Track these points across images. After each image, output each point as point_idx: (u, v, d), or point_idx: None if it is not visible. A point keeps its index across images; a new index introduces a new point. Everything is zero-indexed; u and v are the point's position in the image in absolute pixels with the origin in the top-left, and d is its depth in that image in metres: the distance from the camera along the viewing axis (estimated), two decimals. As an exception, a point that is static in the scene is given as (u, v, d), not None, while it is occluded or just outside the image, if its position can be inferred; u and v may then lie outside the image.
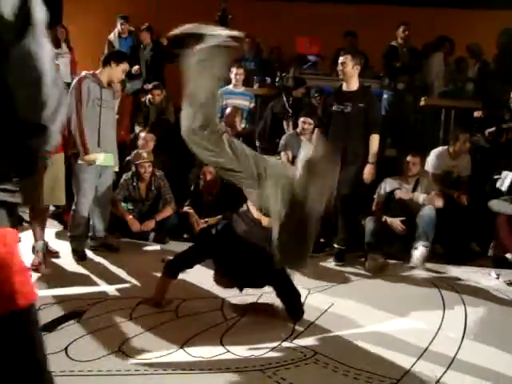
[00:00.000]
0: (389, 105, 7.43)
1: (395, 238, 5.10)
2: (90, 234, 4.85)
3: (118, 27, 8.10)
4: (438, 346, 3.03)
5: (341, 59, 4.91)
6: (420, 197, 5.09)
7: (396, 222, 5.03)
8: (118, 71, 4.64)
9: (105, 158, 4.65)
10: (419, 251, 4.78)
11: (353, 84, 4.93)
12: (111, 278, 4.03)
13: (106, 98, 4.61)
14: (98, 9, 9.37)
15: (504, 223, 4.96)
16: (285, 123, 6.62)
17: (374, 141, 4.89)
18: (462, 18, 8.56)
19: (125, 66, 4.69)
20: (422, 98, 7.19)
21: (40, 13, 1.07)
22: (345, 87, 4.97)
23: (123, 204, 5.44)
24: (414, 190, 5.20)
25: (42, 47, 1.09)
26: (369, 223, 5.03)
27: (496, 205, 5.03)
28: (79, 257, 4.54)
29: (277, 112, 6.73)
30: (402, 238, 5.07)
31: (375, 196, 5.35)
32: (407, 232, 4.98)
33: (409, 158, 5.26)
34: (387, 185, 5.31)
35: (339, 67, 4.93)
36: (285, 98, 6.74)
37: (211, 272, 3.39)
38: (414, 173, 5.23)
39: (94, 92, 4.53)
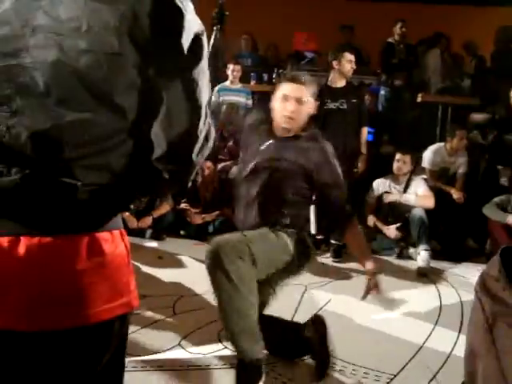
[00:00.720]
0: (386, 101, 7.43)
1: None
2: None
3: None
4: (435, 342, 3.05)
5: (352, 57, 4.94)
6: (411, 198, 5.09)
7: (390, 230, 5.04)
8: None
9: None
10: (422, 256, 4.74)
11: (343, 80, 4.98)
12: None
13: None
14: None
15: (497, 228, 4.98)
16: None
17: (365, 133, 5.16)
18: (458, 14, 8.55)
19: None
20: (419, 95, 7.20)
21: (206, 47, 1.10)
22: (334, 84, 5.00)
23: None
24: (406, 189, 5.19)
25: (205, 80, 1.11)
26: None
27: (489, 212, 5.04)
28: None
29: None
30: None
31: (367, 198, 5.33)
32: (402, 235, 5.01)
33: (398, 157, 5.23)
34: (379, 186, 5.30)
35: (352, 65, 4.97)
36: None
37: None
38: (404, 171, 5.21)
39: None
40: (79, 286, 1.05)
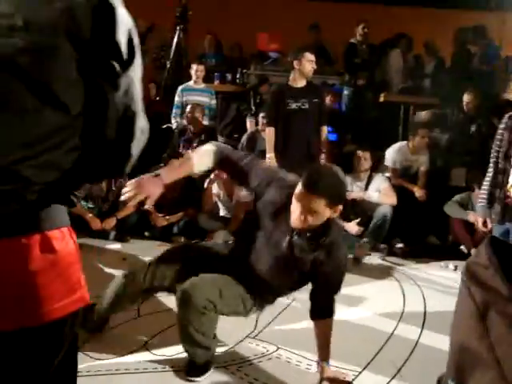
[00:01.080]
0: (349, 101, 7.52)
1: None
2: None
3: None
4: (399, 338, 3.09)
5: (312, 57, 4.98)
6: (374, 195, 5.15)
7: (351, 226, 5.09)
8: None
9: None
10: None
11: (303, 80, 5.03)
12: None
13: None
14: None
15: (458, 225, 5.09)
16: (248, 121, 6.63)
17: (325, 132, 5.25)
18: (420, 16, 8.71)
19: None
20: (382, 94, 7.31)
21: (137, 45, 1.12)
22: (294, 84, 5.03)
23: (83, 202, 5.35)
24: (367, 186, 5.25)
25: (139, 76, 1.14)
26: None
27: (450, 210, 5.15)
28: None
29: (242, 110, 6.76)
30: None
31: None
32: (364, 231, 5.07)
33: (359, 153, 5.31)
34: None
35: (313, 65, 4.99)
36: (252, 97, 6.76)
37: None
38: (365, 168, 5.29)
39: None
40: (33, 285, 1.05)
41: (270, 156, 5.02)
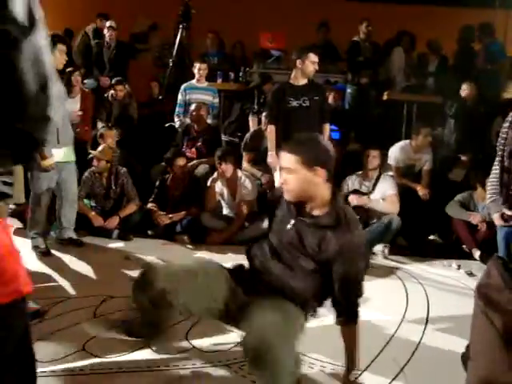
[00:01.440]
0: (352, 99, 7.50)
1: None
2: (55, 231, 4.86)
3: (98, 23, 8.05)
4: (402, 336, 3.09)
5: (316, 58, 4.97)
6: (378, 205, 5.12)
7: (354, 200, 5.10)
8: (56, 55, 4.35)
9: (65, 154, 4.58)
10: (383, 250, 4.99)
11: (304, 79, 5.02)
12: (74, 277, 3.96)
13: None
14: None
15: (459, 225, 5.08)
16: (250, 119, 6.62)
17: (327, 130, 5.20)
18: (423, 14, 8.69)
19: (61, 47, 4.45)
20: (385, 93, 7.30)
21: (41, 16, 1.16)
22: (295, 82, 5.03)
23: (86, 201, 5.36)
24: (374, 186, 5.23)
25: (45, 42, 1.17)
26: None
27: (451, 211, 5.13)
28: (42, 253, 4.47)
29: (246, 109, 6.76)
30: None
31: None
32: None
33: (368, 152, 5.28)
34: (348, 184, 5.34)
35: (315, 66, 4.97)
36: (256, 96, 6.76)
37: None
38: (374, 166, 5.26)
39: None
40: None
41: (272, 154, 5.01)
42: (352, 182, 5.34)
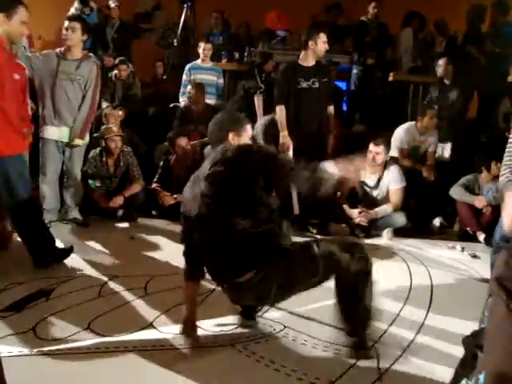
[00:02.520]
0: (358, 80, 7.45)
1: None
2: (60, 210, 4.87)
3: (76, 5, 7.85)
4: (405, 318, 3.09)
5: (326, 38, 4.92)
6: (384, 211, 5.06)
7: (354, 212, 5.07)
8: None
9: (63, 133, 4.57)
10: (387, 232, 5.02)
11: (314, 60, 4.98)
12: (79, 257, 3.98)
13: (65, 69, 4.50)
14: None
15: (464, 208, 5.06)
16: (256, 99, 6.57)
17: (332, 111, 5.19)
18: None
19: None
20: (391, 74, 7.23)
21: None
22: (305, 63, 4.98)
23: (90, 181, 5.36)
24: (380, 180, 5.18)
25: None
26: None
27: (456, 194, 5.11)
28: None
29: (249, 87, 6.69)
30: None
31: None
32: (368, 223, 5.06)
33: (372, 148, 5.08)
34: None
35: (326, 46, 4.93)
36: (257, 74, 6.69)
37: (180, 248, 3.33)
38: (379, 163, 5.13)
39: (49, 64, 4.45)
40: None
41: (284, 134, 4.94)
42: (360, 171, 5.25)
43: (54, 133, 4.59)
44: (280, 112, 5.02)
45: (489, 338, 1.08)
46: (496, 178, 4.85)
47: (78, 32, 4.48)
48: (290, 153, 4.81)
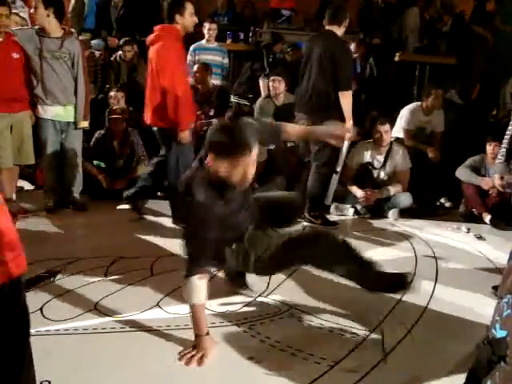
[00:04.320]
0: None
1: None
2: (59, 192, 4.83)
3: None
4: (410, 299, 3.09)
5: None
6: (389, 192, 5.05)
7: (358, 192, 5.05)
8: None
9: (58, 112, 4.55)
10: (392, 212, 5.02)
11: None
12: (84, 238, 4.01)
13: (48, 48, 4.46)
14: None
15: (470, 189, 5.04)
16: (261, 81, 6.53)
17: None
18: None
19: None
20: (397, 54, 7.17)
21: None
22: None
23: (96, 162, 5.36)
24: (386, 161, 5.16)
25: None
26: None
27: (462, 175, 5.08)
28: (48, 210, 4.59)
29: (256, 69, 6.65)
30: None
31: (348, 161, 5.19)
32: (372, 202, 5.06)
33: (379, 128, 5.05)
34: (364, 154, 5.21)
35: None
36: (265, 56, 6.64)
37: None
38: (387, 142, 5.11)
39: (32, 43, 4.41)
40: None
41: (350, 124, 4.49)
42: (364, 153, 5.19)
43: (48, 112, 4.56)
44: (349, 98, 4.48)
45: None
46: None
47: (40, 9, 4.37)
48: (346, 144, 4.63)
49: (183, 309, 2.78)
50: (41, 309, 2.73)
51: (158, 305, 2.86)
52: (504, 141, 3.10)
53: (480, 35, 6.92)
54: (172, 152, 4.23)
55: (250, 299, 2.98)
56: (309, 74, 4.59)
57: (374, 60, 7.02)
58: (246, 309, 2.87)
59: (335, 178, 4.76)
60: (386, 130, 5.08)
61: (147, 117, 4.28)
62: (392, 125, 5.33)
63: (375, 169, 5.18)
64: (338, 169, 4.74)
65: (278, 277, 3.27)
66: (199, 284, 2.33)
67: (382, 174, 5.17)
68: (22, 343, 1.29)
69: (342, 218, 4.95)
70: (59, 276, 3.20)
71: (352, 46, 6.32)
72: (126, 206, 4.88)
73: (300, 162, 5.20)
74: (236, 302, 2.92)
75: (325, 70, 4.45)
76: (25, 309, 1.30)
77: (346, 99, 4.43)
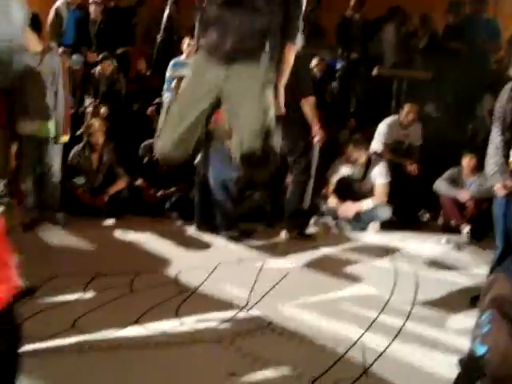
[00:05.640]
0: (342, 74, 7.47)
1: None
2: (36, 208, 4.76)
3: None
4: (391, 310, 3.11)
5: None
6: (370, 204, 5.10)
7: (340, 206, 5.11)
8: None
9: (37, 128, 4.52)
10: (372, 226, 5.07)
11: None
12: (63, 254, 3.96)
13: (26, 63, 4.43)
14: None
15: (448, 201, 5.11)
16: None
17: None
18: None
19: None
20: (375, 68, 7.25)
21: None
22: None
23: (75, 178, 5.31)
24: (366, 173, 5.21)
25: None
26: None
27: (440, 188, 5.15)
28: (25, 226, 4.51)
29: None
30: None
31: (329, 176, 5.33)
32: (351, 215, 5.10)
33: (351, 148, 5.21)
34: (339, 170, 5.31)
35: None
36: None
37: (166, 244, 3.34)
38: (363, 162, 5.22)
39: None
40: None
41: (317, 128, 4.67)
42: (345, 166, 5.30)
43: (28, 127, 4.53)
44: (314, 103, 4.68)
45: (495, 370, 1.11)
46: (478, 171, 4.90)
47: None
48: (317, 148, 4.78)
49: (163, 325, 2.76)
50: (18, 327, 2.68)
51: (137, 322, 2.83)
52: (491, 151, 3.08)
53: (455, 50, 7.05)
54: None
55: (230, 315, 2.97)
56: None
57: (352, 75, 7.12)
58: (226, 324, 2.86)
59: (311, 182, 4.83)
60: (359, 151, 5.21)
61: None
62: (366, 144, 5.44)
63: (355, 182, 5.23)
64: (312, 172, 4.82)
65: (259, 292, 3.27)
66: None
67: (362, 186, 5.21)
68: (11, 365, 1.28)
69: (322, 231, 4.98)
70: (37, 293, 3.15)
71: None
72: (107, 222, 4.85)
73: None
74: (216, 318, 2.91)
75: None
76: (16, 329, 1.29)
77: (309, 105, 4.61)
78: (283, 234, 4.71)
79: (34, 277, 3.38)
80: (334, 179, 5.26)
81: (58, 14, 7.49)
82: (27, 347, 2.48)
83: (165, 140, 2.71)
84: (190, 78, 2.75)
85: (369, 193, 5.18)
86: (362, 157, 5.20)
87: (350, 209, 5.06)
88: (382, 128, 5.83)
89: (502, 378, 1.45)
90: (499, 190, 2.97)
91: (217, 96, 2.60)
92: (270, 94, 2.60)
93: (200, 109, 2.62)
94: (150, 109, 6.24)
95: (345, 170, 5.26)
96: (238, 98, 2.57)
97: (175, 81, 6.11)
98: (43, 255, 3.97)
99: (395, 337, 2.78)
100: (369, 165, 5.22)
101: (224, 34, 2.56)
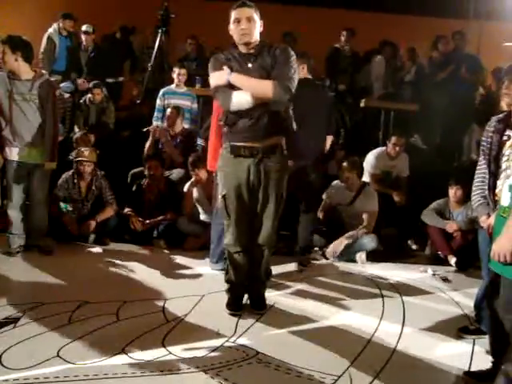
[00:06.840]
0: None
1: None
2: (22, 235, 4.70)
3: (60, 24, 7.77)
4: (378, 342, 3.10)
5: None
6: (358, 234, 5.11)
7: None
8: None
9: (25, 154, 4.51)
10: (359, 256, 5.05)
11: None
12: (48, 282, 3.91)
13: (18, 90, 4.45)
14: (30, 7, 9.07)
15: (435, 232, 5.14)
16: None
17: None
18: (401, 23, 8.83)
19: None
20: (363, 100, 7.36)
21: None
22: None
23: (62, 205, 5.29)
24: (355, 198, 5.25)
25: None
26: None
27: (427, 219, 5.19)
28: (8, 253, 4.49)
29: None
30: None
31: (324, 197, 5.41)
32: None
33: (347, 174, 5.25)
34: (333, 196, 5.39)
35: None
36: None
37: (153, 273, 3.33)
38: (356, 187, 5.28)
39: (3, 86, 4.41)
40: None
41: None
42: (337, 193, 5.37)
43: (15, 154, 4.52)
44: None
45: None
46: (465, 202, 4.95)
47: (8, 54, 4.38)
48: None
49: (149, 355, 2.73)
50: (0, 357, 2.64)
51: (123, 351, 2.80)
52: (477, 183, 3.11)
53: (441, 82, 7.19)
54: None
55: (217, 344, 2.94)
56: None
57: (340, 106, 7.21)
58: (212, 354, 2.83)
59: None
60: (351, 177, 5.25)
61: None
62: (359, 175, 5.46)
63: (344, 206, 5.26)
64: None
65: (246, 322, 3.25)
66: None
67: (349, 211, 5.23)
68: None
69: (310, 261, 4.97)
70: (20, 322, 3.11)
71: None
72: (94, 250, 4.82)
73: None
74: (202, 347, 2.88)
75: None
76: None
77: None
78: (294, 266, 4.71)
79: (18, 305, 3.34)
80: (326, 208, 5.35)
81: (50, 40, 7.57)
82: (11, 376, 2.45)
83: None
84: None
85: (356, 220, 5.19)
86: (353, 178, 5.25)
87: (337, 248, 5.07)
88: (370, 158, 5.90)
89: None
90: (484, 223, 2.99)
91: None
92: None
93: None
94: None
95: (335, 183, 5.42)
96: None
97: (169, 110, 6.17)
98: (28, 282, 3.93)
99: (384, 366, 2.77)
100: (360, 191, 5.26)
101: None
